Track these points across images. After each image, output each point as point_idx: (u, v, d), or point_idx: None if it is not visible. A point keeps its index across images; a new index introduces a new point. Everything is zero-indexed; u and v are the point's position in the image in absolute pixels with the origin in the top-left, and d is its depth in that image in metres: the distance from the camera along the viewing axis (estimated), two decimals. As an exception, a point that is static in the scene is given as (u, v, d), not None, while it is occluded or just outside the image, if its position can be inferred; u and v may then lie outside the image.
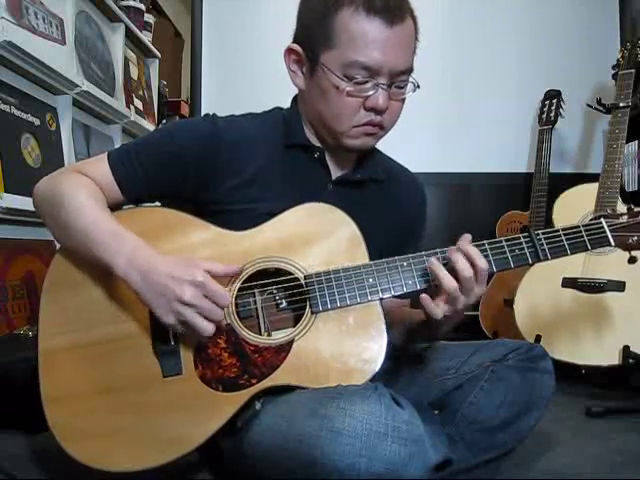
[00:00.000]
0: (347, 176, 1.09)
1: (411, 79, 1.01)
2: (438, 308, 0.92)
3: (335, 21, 0.95)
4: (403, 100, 1.03)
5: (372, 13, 0.93)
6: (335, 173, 1.09)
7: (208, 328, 0.87)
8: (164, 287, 0.86)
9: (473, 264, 0.91)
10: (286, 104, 1.13)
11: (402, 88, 1.01)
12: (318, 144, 1.08)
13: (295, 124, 1.08)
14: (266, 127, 1.08)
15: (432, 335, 1.04)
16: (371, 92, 0.97)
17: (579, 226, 0.99)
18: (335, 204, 1.00)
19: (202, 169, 1.01)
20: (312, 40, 0.99)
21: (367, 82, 0.96)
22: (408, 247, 1.08)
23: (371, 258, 0.97)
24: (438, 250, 0.96)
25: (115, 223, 0.93)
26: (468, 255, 0.92)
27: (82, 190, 0.96)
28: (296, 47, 1.03)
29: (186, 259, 0.90)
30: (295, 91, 1.11)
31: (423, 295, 0.92)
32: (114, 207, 1.01)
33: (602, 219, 1.00)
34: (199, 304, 0.86)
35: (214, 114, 1.06)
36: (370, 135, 1.02)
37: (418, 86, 1.02)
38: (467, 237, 0.95)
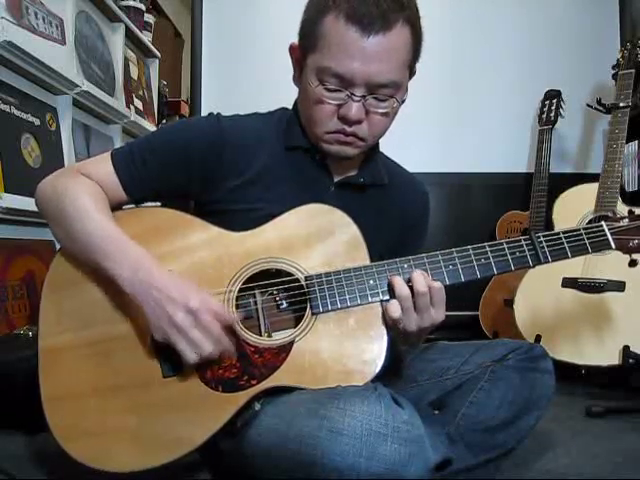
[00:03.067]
0: (350, 179, 1.09)
1: (396, 96, 0.97)
2: (396, 311, 0.92)
3: (321, 25, 0.94)
4: (385, 114, 0.99)
5: (351, 21, 0.90)
6: (337, 175, 1.09)
7: (191, 357, 0.86)
8: (158, 304, 0.86)
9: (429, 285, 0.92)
10: (286, 104, 1.13)
11: (382, 101, 0.97)
12: None
13: (295, 126, 1.08)
14: (270, 128, 1.08)
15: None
16: (342, 101, 0.96)
17: (580, 229, 0.99)
18: (337, 206, 1.00)
19: (206, 168, 1.01)
20: (304, 41, 1.00)
21: (340, 90, 0.95)
22: (409, 251, 1.08)
23: (372, 261, 0.97)
24: (439, 252, 0.96)
25: (118, 230, 0.93)
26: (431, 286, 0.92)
27: (85, 194, 0.96)
28: (296, 45, 1.03)
29: (189, 283, 0.90)
30: (296, 91, 1.12)
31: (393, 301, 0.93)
32: (117, 207, 1.01)
33: (603, 222, 1.00)
34: (187, 331, 0.85)
35: (218, 113, 1.06)
36: (345, 144, 1.01)
37: (402, 102, 1.00)
38: None
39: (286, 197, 1.01)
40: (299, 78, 1.03)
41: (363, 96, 0.95)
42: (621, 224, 1.01)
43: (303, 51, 1.00)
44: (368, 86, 0.94)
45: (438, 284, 0.92)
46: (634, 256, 1.04)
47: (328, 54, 0.94)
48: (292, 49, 1.04)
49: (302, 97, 1.03)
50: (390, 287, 0.94)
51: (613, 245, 1.00)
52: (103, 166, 1.01)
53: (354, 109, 0.95)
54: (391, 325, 0.93)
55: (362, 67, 0.92)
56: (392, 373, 1.08)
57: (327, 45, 0.94)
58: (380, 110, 0.98)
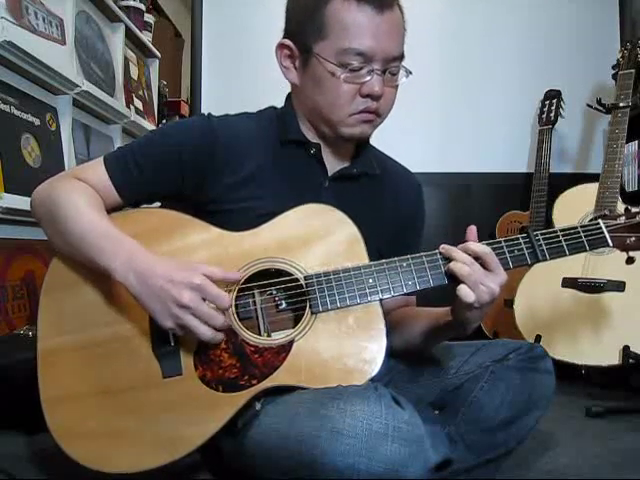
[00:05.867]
0: (343, 171, 1.10)
1: (403, 65, 1.02)
2: (471, 293, 0.90)
3: (326, 11, 0.97)
4: (396, 87, 1.04)
5: (363, 1, 0.95)
6: (331, 169, 1.09)
7: (207, 333, 0.87)
8: (162, 290, 0.86)
9: (473, 253, 0.92)
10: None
11: (395, 75, 1.02)
12: (314, 140, 1.08)
13: (290, 120, 1.08)
14: (261, 125, 1.08)
15: (458, 333, 1.01)
16: (367, 78, 0.98)
17: (577, 227, 1.00)
18: (332, 200, 1.00)
19: (199, 168, 1.02)
20: (304, 33, 1.00)
21: (362, 68, 0.98)
22: (408, 240, 1.08)
23: (370, 253, 0.97)
24: (437, 251, 0.96)
25: (111, 227, 0.93)
26: (465, 248, 0.93)
27: (78, 195, 0.96)
28: (287, 42, 1.04)
29: (185, 262, 0.90)
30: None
31: (461, 285, 0.91)
32: (113, 210, 1.01)
33: (600, 220, 1.00)
34: (197, 307, 0.85)
35: (209, 113, 1.07)
36: (367, 122, 1.03)
37: (410, 72, 1.03)
38: (472, 229, 0.96)
39: (282, 193, 1.01)
40: (301, 71, 1.04)
41: (383, 71, 0.99)
42: (618, 222, 1.01)
43: (304, 43, 1.01)
44: (384, 61, 0.98)
45: (480, 248, 0.92)
46: (631, 253, 1.04)
47: (346, 36, 0.96)
48: (283, 47, 1.05)
49: (312, 87, 1.02)
50: (450, 274, 0.93)
51: (610, 243, 1.00)
52: (96, 171, 1.01)
53: (378, 84, 0.98)
54: (469, 309, 0.92)
55: (380, 43, 0.97)
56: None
57: (342, 27, 0.96)
58: (394, 83, 1.03)
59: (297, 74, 1.05)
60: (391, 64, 1.00)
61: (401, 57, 1.02)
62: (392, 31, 0.99)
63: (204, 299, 0.86)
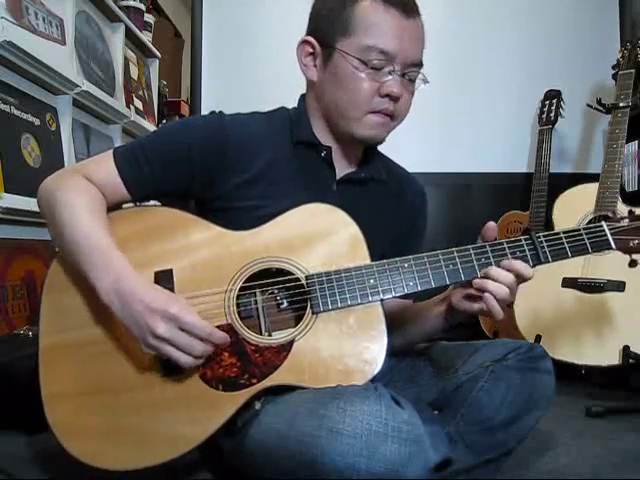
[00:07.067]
0: (351, 175, 1.10)
1: (421, 72, 1.04)
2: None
3: (353, 11, 0.99)
4: (412, 93, 1.05)
5: (389, 5, 0.98)
6: (340, 172, 1.10)
7: (188, 362, 0.86)
8: (141, 317, 0.85)
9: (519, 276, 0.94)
10: (286, 104, 1.14)
11: (413, 81, 1.04)
12: (326, 143, 1.08)
13: (303, 122, 1.09)
14: (273, 125, 1.09)
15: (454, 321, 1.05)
16: (388, 77, 0.99)
17: (580, 229, 0.99)
18: (339, 204, 1.00)
19: (209, 165, 1.02)
20: (328, 30, 1.02)
21: (383, 67, 0.99)
22: (410, 243, 1.08)
23: (373, 257, 0.97)
24: (439, 252, 0.96)
25: (106, 242, 0.91)
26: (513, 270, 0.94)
27: (79, 199, 0.95)
28: (310, 39, 1.05)
29: (169, 294, 0.89)
30: (297, 90, 1.12)
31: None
32: (119, 206, 1.01)
33: (603, 222, 1.00)
34: (173, 338, 0.84)
35: (220, 111, 1.07)
36: (382, 125, 1.04)
37: (427, 81, 1.05)
38: (492, 225, 0.97)
39: (289, 194, 1.01)
40: (322, 68, 1.04)
41: (402, 74, 1.00)
42: (621, 224, 1.01)
43: (328, 39, 1.02)
44: (404, 64, 1.00)
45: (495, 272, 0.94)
46: (634, 256, 1.04)
47: (371, 33, 0.98)
48: (306, 43, 1.05)
49: (332, 84, 1.03)
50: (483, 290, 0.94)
51: (613, 245, 1.00)
52: (105, 166, 1.00)
53: (397, 85, 1.00)
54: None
55: (403, 46, 0.99)
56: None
57: (367, 26, 0.98)
58: (410, 89, 1.04)
59: (316, 71, 1.06)
60: (410, 69, 1.01)
61: (420, 64, 1.03)
62: (414, 37, 1.01)
63: (181, 329, 0.85)
